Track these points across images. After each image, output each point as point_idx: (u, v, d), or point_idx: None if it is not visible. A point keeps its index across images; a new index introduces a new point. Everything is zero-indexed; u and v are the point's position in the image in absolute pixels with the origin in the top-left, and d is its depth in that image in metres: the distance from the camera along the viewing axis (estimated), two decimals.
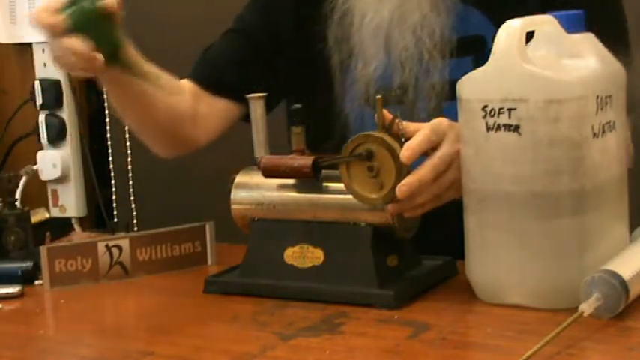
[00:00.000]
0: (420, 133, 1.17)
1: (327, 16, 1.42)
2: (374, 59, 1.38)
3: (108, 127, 2.44)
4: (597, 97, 1.10)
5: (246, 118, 1.49)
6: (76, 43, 1.25)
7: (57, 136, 2.48)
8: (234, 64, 1.51)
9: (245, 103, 1.37)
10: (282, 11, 1.50)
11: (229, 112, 1.51)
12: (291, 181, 1.26)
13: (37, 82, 2.47)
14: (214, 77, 1.51)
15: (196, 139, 1.53)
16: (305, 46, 1.46)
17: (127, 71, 1.31)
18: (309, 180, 1.24)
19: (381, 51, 1.37)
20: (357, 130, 1.31)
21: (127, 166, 2.42)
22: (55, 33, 1.26)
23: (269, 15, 1.51)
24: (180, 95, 1.48)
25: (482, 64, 1.12)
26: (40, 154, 2.51)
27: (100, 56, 1.25)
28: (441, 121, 1.19)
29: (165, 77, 1.41)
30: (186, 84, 1.51)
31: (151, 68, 1.36)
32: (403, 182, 1.14)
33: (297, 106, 1.28)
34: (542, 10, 1.18)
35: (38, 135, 2.49)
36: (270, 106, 1.50)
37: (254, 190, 1.28)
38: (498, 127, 1.10)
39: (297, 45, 1.48)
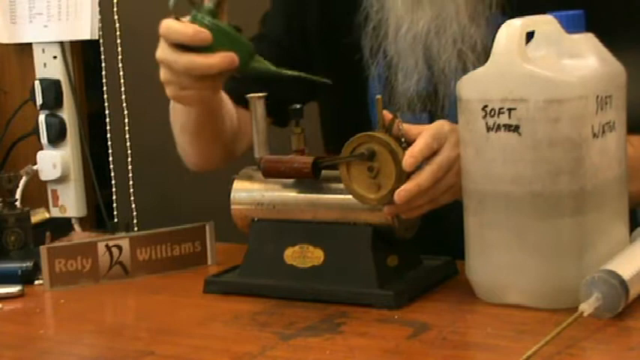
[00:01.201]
0: (421, 140, 1.16)
1: (361, 25, 1.38)
2: (414, 71, 1.35)
3: (108, 127, 2.44)
4: (597, 97, 1.10)
5: (280, 123, 1.46)
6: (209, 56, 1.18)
7: (57, 136, 2.48)
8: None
9: (277, 113, 1.33)
10: (306, 19, 1.46)
11: None
12: (291, 181, 1.26)
13: (37, 82, 2.47)
14: (243, 91, 1.40)
15: (236, 151, 1.49)
16: (338, 56, 1.42)
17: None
18: (309, 180, 1.24)
19: (420, 62, 1.34)
20: None
21: (127, 166, 2.42)
22: (199, 41, 1.17)
23: (293, 22, 1.46)
24: (232, 109, 1.44)
25: None
26: (40, 154, 2.51)
27: (236, 57, 1.19)
28: (443, 125, 1.19)
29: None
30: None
31: None
32: (402, 187, 1.14)
33: (297, 106, 1.28)
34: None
35: (38, 135, 2.49)
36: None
37: (254, 190, 1.28)
38: (498, 127, 1.10)
39: (329, 55, 1.44)
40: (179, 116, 1.42)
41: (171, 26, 1.19)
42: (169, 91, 1.23)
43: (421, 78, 1.35)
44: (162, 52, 1.21)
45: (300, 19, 1.45)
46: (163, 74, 1.22)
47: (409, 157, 1.15)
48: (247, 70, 1.21)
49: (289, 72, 1.21)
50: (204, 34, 1.17)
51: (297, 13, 1.42)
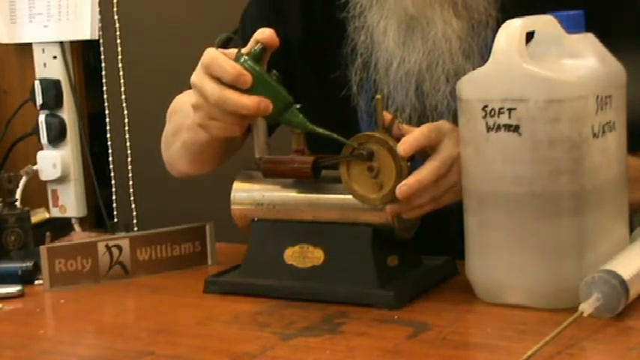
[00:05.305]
0: (419, 128, 1.17)
1: (348, 59, 1.35)
2: (407, 106, 1.33)
3: (108, 127, 2.44)
4: (597, 97, 1.10)
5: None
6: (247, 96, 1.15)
7: (57, 136, 2.49)
8: None
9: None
10: (291, 50, 1.41)
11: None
12: (291, 181, 1.26)
13: (37, 82, 2.47)
14: None
15: (223, 159, 1.48)
16: (326, 90, 1.38)
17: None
18: (309, 180, 1.24)
19: (412, 97, 1.32)
20: None
21: (127, 166, 2.43)
22: (240, 83, 1.15)
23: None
24: None
25: None
26: (40, 154, 2.51)
27: (270, 104, 1.16)
28: (443, 123, 1.19)
29: None
30: None
31: None
32: (403, 182, 1.14)
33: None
34: None
35: (38, 135, 2.50)
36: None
37: (254, 190, 1.28)
38: (498, 127, 1.10)
39: (317, 88, 1.41)
40: (187, 132, 1.39)
41: (216, 60, 1.16)
42: (197, 117, 1.20)
43: (414, 113, 1.32)
44: (199, 79, 1.18)
45: (283, 36, 1.31)
46: (195, 100, 1.19)
47: (403, 143, 1.14)
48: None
49: (322, 131, 1.18)
50: (246, 77, 1.15)
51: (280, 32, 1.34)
